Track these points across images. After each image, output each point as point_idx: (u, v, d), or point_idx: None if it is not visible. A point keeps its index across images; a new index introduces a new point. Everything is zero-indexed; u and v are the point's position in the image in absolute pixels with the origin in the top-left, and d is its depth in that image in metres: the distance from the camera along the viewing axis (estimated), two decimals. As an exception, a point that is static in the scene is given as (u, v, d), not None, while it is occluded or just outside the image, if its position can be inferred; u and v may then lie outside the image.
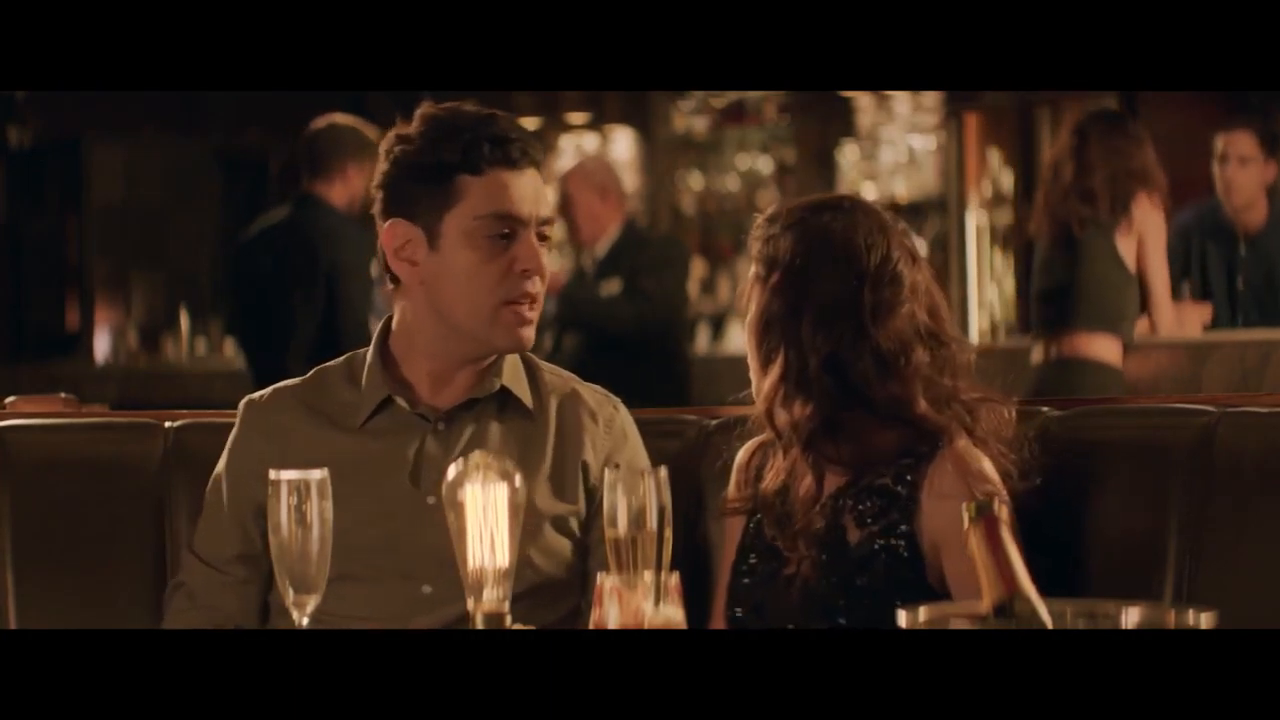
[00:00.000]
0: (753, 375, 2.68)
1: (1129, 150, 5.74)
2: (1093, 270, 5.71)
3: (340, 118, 6.20)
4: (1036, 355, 5.82)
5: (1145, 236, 5.72)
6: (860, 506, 2.61)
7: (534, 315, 2.67)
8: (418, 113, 2.69)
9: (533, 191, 2.65)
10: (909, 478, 2.60)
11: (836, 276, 2.61)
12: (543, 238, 2.67)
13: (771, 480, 2.69)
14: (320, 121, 6.17)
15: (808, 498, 2.65)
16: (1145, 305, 5.83)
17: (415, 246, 2.66)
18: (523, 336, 2.67)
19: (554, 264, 2.70)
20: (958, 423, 2.61)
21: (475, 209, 2.63)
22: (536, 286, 2.66)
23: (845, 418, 2.63)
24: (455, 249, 2.64)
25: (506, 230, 2.63)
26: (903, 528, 2.58)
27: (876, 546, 2.58)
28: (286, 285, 6.03)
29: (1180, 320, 5.94)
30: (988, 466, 2.58)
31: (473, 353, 2.69)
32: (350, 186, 6.11)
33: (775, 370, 2.63)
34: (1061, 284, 5.78)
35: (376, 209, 2.70)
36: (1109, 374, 5.67)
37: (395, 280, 2.71)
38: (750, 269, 2.69)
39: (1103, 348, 5.71)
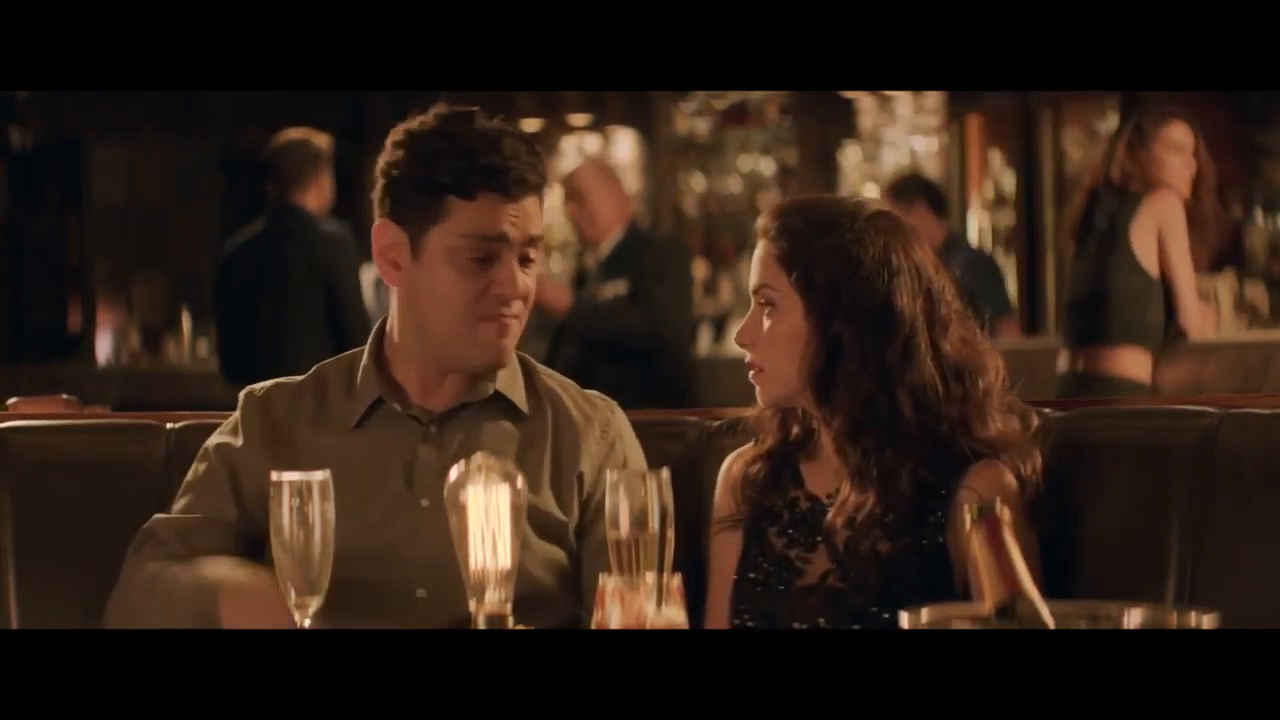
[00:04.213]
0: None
1: (1155, 142, 5.60)
2: (1115, 281, 5.59)
3: (302, 132, 6.37)
4: (1062, 364, 5.75)
5: (1165, 234, 5.57)
6: (891, 517, 2.61)
7: (513, 330, 2.64)
8: (432, 112, 2.66)
9: (523, 216, 2.62)
10: (942, 490, 2.60)
11: (914, 289, 2.62)
12: (527, 260, 2.63)
13: (789, 489, 2.69)
14: (284, 137, 6.34)
15: (837, 507, 2.65)
16: (1171, 309, 5.70)
17: (399, 251, 2.64)
18: (500, 351, 2.64)
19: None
20: (988, 443, 2.61)
21: (459, 228, 2.60)
22: (515, 309, 2.63)
23: (887, 429, 2.63)
24: (436, 263, 2.62)
25: (487, 253, 2.61)
26: (939, 539, 2.58)
27: (909, 558, 2.58)
28: (285, 295, 6.05)
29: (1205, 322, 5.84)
30: (1013, 484, 2.58)
31: (452, 365, 2.68)
32: (323, 196, 6.25)
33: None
34: (1084, 296, 5.69)
35: (375, 195, 2.68)
36: (1135, 389, 5.51)
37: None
38: (838, 259, 2.63)
39: (1130, 363, 5.62)
